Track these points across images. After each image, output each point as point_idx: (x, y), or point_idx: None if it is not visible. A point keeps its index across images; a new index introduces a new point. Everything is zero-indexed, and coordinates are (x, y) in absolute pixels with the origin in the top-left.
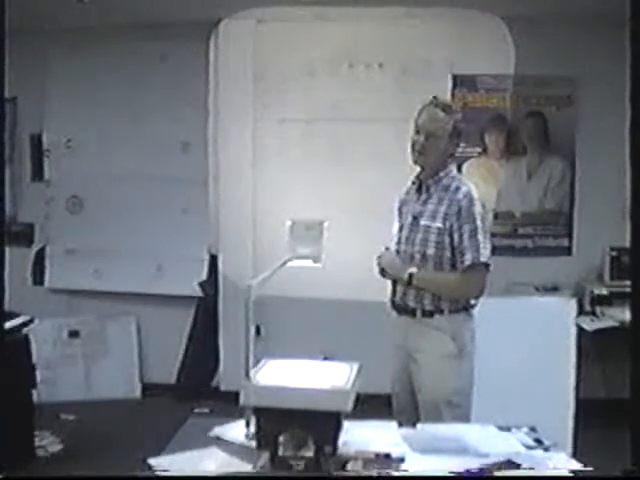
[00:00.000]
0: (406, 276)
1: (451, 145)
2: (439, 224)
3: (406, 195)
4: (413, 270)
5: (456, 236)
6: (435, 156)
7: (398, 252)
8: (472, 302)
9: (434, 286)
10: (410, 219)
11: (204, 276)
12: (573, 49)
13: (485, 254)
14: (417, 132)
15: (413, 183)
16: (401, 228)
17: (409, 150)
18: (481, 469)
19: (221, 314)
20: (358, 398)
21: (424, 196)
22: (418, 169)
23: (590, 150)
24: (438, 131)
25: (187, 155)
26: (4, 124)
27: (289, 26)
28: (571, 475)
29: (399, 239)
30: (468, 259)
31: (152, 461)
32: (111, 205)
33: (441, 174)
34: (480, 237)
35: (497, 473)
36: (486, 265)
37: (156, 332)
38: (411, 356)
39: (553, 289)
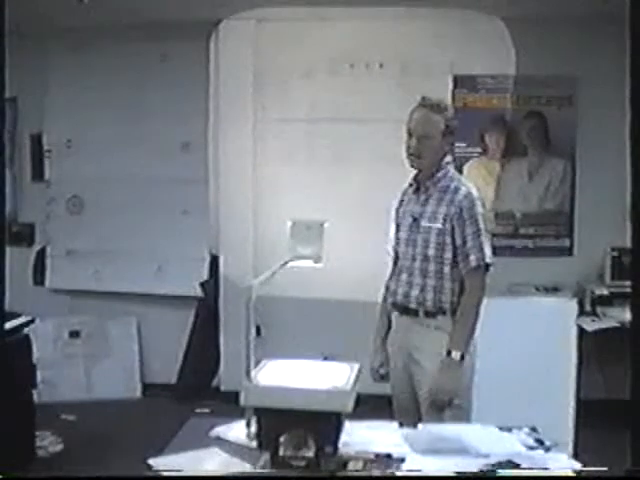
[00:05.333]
0: (459, 359)
1: (445, 143)
2: (439, 225)
3: (403, 196)
4: (456, 355)
5: (458, 237)
6: (430, 157)
7: (397, 253)
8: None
9: (471, 325)
10: (409, 220)
11: (205, 276)
12: (573, 49)
13: (488, 255)
14: (410, 136)
15: (410, 185)
16: (398, 229)
17: (404, 155)
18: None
19: (222, 314)
20: (358, 398)
21: (423, 197)
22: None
23: (590, 150)
24: (430, 132)
25: (187, 155)
26: (4, 124)
27: (289, 26)
28: (573, 475)
29: (398, 241)
30: (473, 260)
31: (152, 461)
32: (111, 205)
33: (439, 175)
34: (483, 238)
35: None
36: (487, 266)
37: (156, 332)
38: (412, 356)
39: (554, 289)
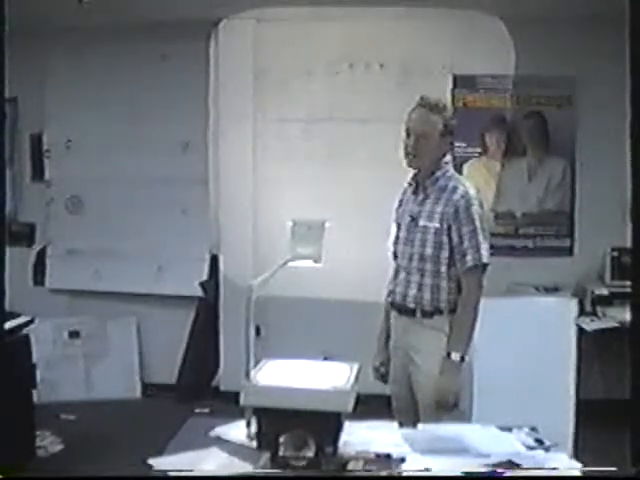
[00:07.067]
0: (459, 360)
1: (443, 143)
2: (437, 224)
3: (403, 195)
4: (456, 357)
5: (455, 237)
6: (428, 157)
7: (396, 253)
8: None
9: (469, 326)
10: (408, 219)
11: (205, 276)
12: (573, 49)
13: (485, 255)
14: (408, 135)
15: (409, 184)
16: (398, 228)
17: (402, 154)
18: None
19: (221, 314)
20: (358, 398)
21: (421, 196)
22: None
23: (590, 150)
24: (428, 132)
25: (187, 155)
26: (4, 124)
27: (289, 26)
28: (580, 475)
29: (396, 239)
30: (470, 260)
31: (152, 461)
32: (111, 205)
33: (438, 174)
34: (480, 237)
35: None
36: (484, 265)
37: (156, 332)
38: (410, 356)
39: (554, 289)
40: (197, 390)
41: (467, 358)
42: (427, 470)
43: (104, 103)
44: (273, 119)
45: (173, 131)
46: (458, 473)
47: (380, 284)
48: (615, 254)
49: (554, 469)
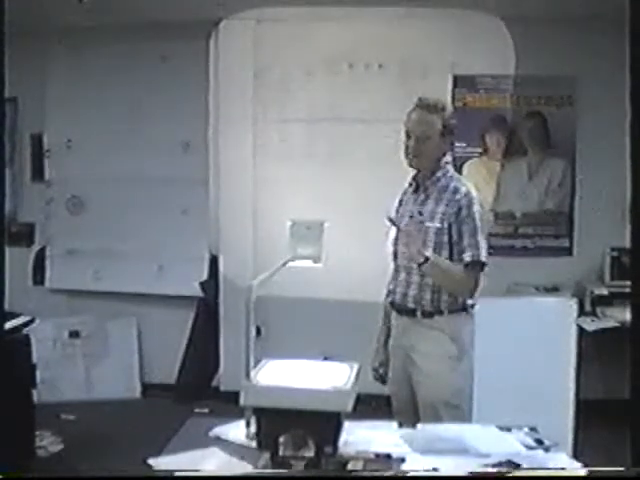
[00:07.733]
0: (421, 258)
1: (444, 143)
2: (438, 224)
3: (403, 195)
4: (430, 255)
5: (455, 234)
6: (429, 158)
7: (395, 253)
8: (471, 302)
9: (440, 277)
10: (408, 220)
11: (204, 276)
12: (573, 49)
13: (484, 253)
14: (408, 137)
15: (410, 184)
16: (398, 228)
17: (403, 155)
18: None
19: (221, 314)
20: (358, 398)
21: (422, 196)
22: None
23: (590, 150)
24: (427, 133)
25: (187, 155)
26: (4, 124)
27: (289, 26)
28: (585, 475)
29: (396, 239)
30: (468, 256)
31: (152, 461)
32: (111, 205)
33: (438, 174)
34: (479, 236)
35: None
36: (482, 265)
37: (156, 332)
38: (410, 357)
39: (553, 289)
40: (197, 390)
41: (465, 358)
42: (435, 470)
43: (104, 103)
44: (273, 119)
45: (173, 131)
46: (458, 473)
47: (380, 284)
48: (615, 254)
49: (562, 469)
